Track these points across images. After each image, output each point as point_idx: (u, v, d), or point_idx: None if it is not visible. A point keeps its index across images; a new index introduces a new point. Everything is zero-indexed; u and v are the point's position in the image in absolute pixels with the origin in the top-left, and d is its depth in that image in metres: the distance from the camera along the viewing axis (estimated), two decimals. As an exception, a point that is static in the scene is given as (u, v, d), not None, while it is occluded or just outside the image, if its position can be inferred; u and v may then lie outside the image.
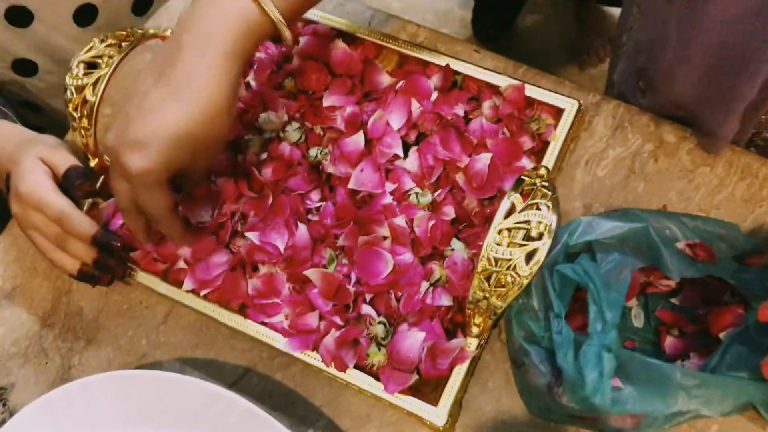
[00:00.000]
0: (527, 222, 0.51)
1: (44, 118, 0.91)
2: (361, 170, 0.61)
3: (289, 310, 0.60)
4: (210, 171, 0.64)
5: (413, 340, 0.57)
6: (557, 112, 0.63)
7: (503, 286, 0.51)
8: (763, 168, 0.62)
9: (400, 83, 0.64)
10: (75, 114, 0.62)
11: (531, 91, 0.63)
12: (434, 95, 0.64)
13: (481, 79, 0.64)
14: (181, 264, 0.64)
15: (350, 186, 0.61)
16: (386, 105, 0.63)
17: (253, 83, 0.68)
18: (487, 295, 0.52)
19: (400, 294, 0.59)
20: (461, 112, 0.63)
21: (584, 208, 0.63)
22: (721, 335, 0.56)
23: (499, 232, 0.51)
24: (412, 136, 0.64)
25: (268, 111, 0.65)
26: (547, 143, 0.62)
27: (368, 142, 0.63)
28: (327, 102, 0.65)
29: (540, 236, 0.51)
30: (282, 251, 0.61)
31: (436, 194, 0.61)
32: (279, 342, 0.60)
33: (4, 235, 0.72)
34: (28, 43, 0.80)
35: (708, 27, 0.55)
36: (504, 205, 0.51)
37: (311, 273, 0.59)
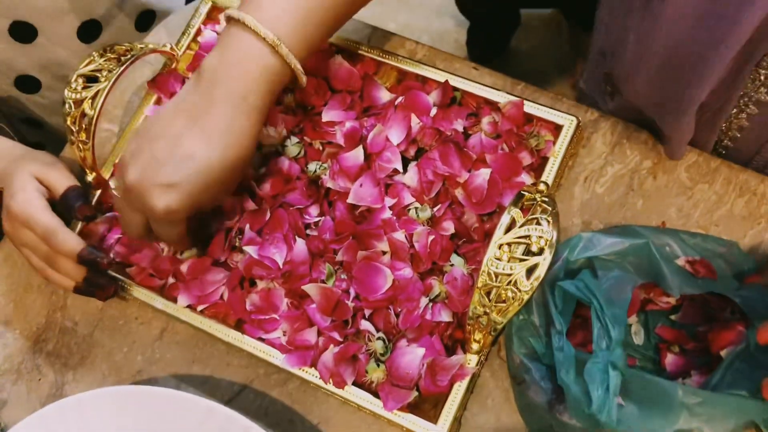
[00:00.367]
0: (528, 237, 0.51)
1: (44, 135, 0.91)
2: (361, 185, 0.61)
3: (287, 326, 0.60)
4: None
5: (413, 356, 0.56)
6: (556, 129, 0.63)
7: (504, 302, 0.51)
8: (761, 185, 0.62)
9: (400, 99, 0.64)
10: (73, 127, 0.62)
11: (530, 107, 0.63)
12: (433, 111, 0.64)
13: (479, 95, 0.64)
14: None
15: (349, 200, 0.61)
16: (386, 120, 0.63)
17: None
18: (488, 311, 0.52)
19: (399, 309, 0.58)
20: (460, 128, 0.63)
21: (583, 224, 0.63)
22: (722, 353, 0.55)
23: (500, 246, 0.51)
24: (412, 151, 0.64)
25: (268, 126, 0.65)
26: (546, 159, 0.62)
27: (367, 156, 0.63)
28: (326, 117, 0.65)
29: (540, 251, 0.50)
30: (280, 266, 0.60)
31: (435, 209, 0.61)
32: (276, 358, 0.59)
33: (-2, 250, 0.71)
34: (32, 59, 0.80)
35: (661, 33, 0.56)
36: (504, 220, 0.51)
37: (310, 288, 0.59)
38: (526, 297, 0.51)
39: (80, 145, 0.63)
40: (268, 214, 0.62)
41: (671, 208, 0.63)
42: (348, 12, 0.59)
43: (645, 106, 0.64)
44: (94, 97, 0.61)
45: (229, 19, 0.55)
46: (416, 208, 0.61)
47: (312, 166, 0.64)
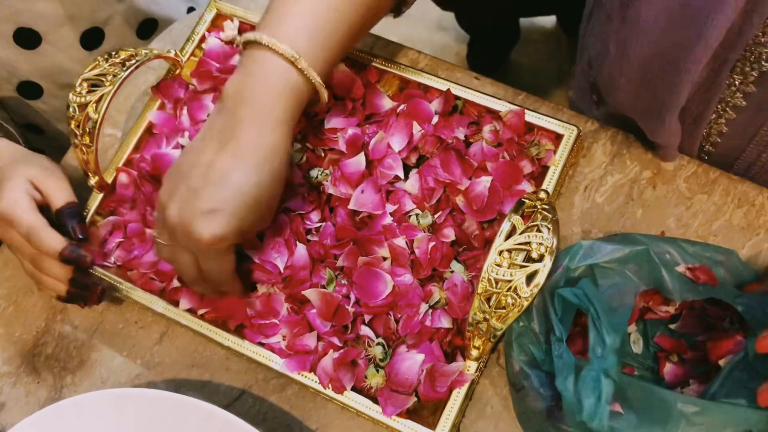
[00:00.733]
0: (528, 243, 0.51)
1: (45, 141, 0.91)
2: (362, 191, 0.61)
3: (287, 331, 0.60)
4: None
5: (412, 362, 0.57)
6: (556, 138, 0.63)
7: (503, 308, 0.51)
8: (759, 196, 0.62)
9: (402, 106, 0.65)
10: (77, 131, 0.62)
11: (530, 116, 0.64)
12: (435, 119, 0.65)
13: (481, 104, 0.65)
14: (177, 283, 0.64)
15: (350, 206, 0.61)
16: (387, 127, 0.63)
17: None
18: (488, 317, 0.52)
19: (399, 315, 0.59)
20: (462, 136, 0.64)
21: (583, 233, 0.64)
22: (721, 362, 0.56)
23: (500, 253, 0.51)
24: (413, 159, 0.64)
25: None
26: (546, 168, 0.62)
27: (369, 163, 0.63)
28: (329, 124, 0.65)
29: (541, 258, 0.51)
30: (281, 270, 0.60)
31: (436, 216, 0.61)
32: (276, 363, 0.59)
33: (-1, 253, 0.72)
34: (35, 65, 0.80)
35: (637, 39, 0.57)
36: (505, 227, 0.51)
37: (310, 293, 0.59)
38: (525, 303, 0.51)
39: (83, 148, 0.63)
40: (270, 219, 0.62)
41: (670, 218, 0.63)
42: (363, 27, 0.59)
43: (629, 113, 0.65)
44: (98, 101, 0.61)
45: (246, 44, 0.55)
46: (417, 215, 0.61)
47: (314, 172, 0.64)
